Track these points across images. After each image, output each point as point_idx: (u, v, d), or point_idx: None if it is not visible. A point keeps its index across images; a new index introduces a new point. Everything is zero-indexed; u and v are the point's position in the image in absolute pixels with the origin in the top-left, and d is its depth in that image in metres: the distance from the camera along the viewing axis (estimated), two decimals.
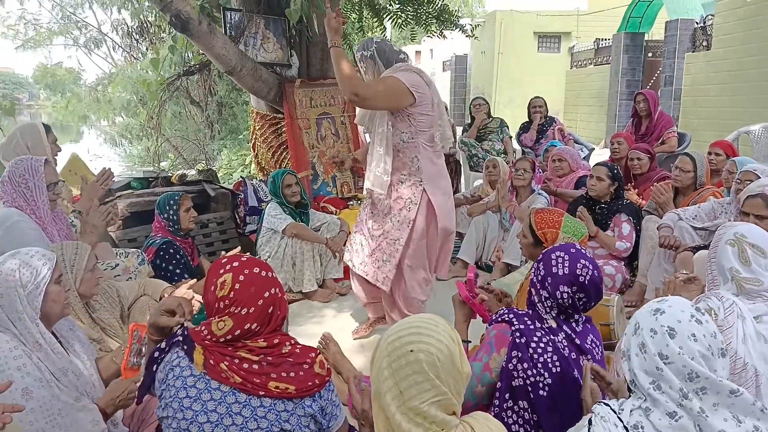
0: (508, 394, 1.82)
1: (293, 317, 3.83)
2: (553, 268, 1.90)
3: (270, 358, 1.64)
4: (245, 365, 1.61)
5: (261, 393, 1.60)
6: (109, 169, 3.20)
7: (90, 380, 1.94)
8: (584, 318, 1.96)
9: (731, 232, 2.00)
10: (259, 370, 1.62)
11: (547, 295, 1.90)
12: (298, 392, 1.62)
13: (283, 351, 1.67)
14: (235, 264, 1.68)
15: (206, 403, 1.59)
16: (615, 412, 1.40)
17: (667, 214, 3.57)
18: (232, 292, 1.64)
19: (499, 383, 1.84)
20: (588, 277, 1.87)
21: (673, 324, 1.34)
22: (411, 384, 1.30)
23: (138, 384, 1.83)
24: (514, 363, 1.81)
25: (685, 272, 2.43)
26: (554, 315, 1.90)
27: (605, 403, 1.45)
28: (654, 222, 3.66)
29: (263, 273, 1.69)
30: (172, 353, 1.67)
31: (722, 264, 1.98)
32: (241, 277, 1.65)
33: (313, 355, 1.71)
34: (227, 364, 1.61)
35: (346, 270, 4.34)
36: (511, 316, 1.91)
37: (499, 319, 1.93)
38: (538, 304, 1.92)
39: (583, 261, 1.90)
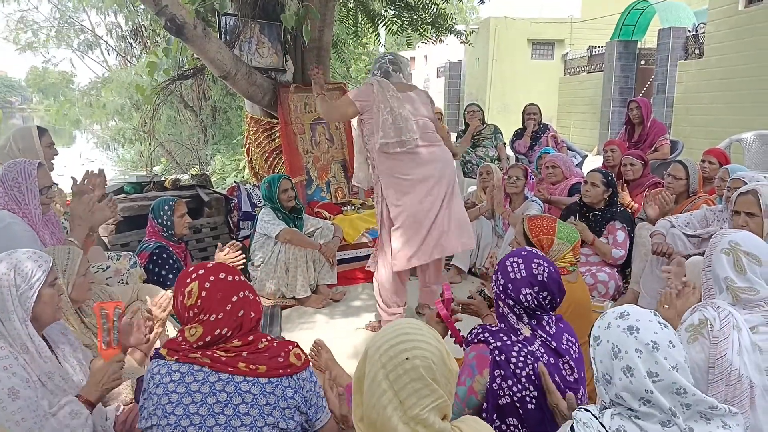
0: (495, 414, 1.82)
1: (286, 323, 3.82)
2: (510, 274, 1.93)
3: (245, 354, 1.65)
4: (216, 354, 1.63)
5: (230, 370, 1.60)
6: (101, 169, 3.20)
7: (80, 384, 1.91)
8: (555, 317, 1.98)
9: (726, 240, 1.99)
10: (231, 358, 1.64)
11: (512, 303, 1.91)
12: (269, 372, 1.63)
13: (259, 346, 1.68)
14: (201, 272, 1.69)
15: (191, 394, 1.59)
16: (596, 418, 1.41)
17: (660, 221, 3.58)
18: (199, 300, 1.65)
19: (484, 404, 1.84)
20: (546, 275, 1.91)
21: (653, 338, 1.36)
22: (410, 392, 1.29)
23: (120, 363, 1.88)
24: (498, 382, 1.81)
25: (680, 281, 2.43)
26: (526, 322, 1.91)
27: (586, 409, 1.45)
28: (647, 229, 3.67)
29: (229, 278, 1.70)
30: (150, 365, 1.68)
31: (717, 273, 1.97)
32: (207, 284, 1.66)
33: (290, 347, 1.72)
34: (198, 355, 1.63)
35: (340, 276, 4.34)
36: (487, 334, 1.91)
37: (475, 340, 1.93)
38: (509, 315, 1.93)
39: (537, 260, 1.94)
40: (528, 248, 2.07)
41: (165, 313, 2.43)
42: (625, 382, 1.36)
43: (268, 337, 1.73)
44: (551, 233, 2.58)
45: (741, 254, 1.92)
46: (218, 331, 1.64)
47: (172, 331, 2.78)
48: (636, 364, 1.34)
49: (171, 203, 3.50)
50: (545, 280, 1.91)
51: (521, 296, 1.90)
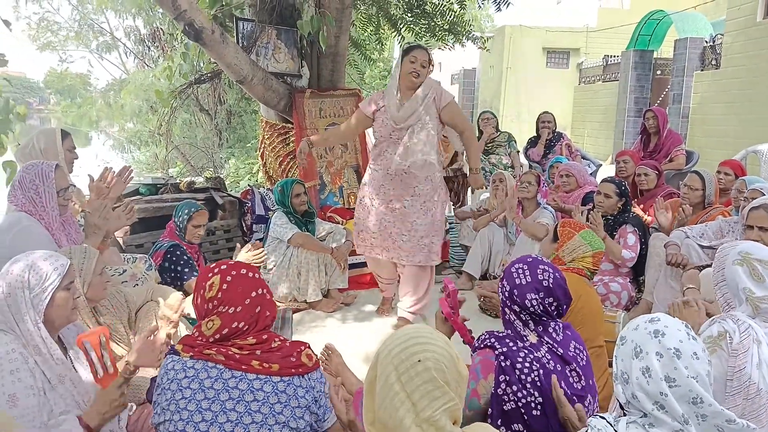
0: (500, 420, 1.82)
1: (297, 326, 3.84)
2: (516, 279, 1.95)
3: (258, 352, 1.68)
4: (230, 352, 1.66)
5: (243, 367, 1.63)
6: (130, 167, 3.24)
7: (92, 389, 1.92)
8: (562, 325, 1.98)
9: (735, 252, 1.97)
10: (245, 356, 1.67)
11: (518, 309, 1.93)
12: (281, 371, 1.65)
13: (272, 346, 1.71)
14: (223, 267, 1.75)
15: (204, 390, 1.61)
16: (611, 425, 1.41)
17: (674, 231, 3.56)
18: (220, 293, 1.69)
19: (490, 410, 1.84)
20: (551, 280, 1.93)
21: (677, 345, 1.34)
22: (423, 394, 1.30)
23: (121, 388, 1.85)
24: (503, 387, 1.82)
25: (686, 291, 2.41)
26: (532, 328, 1.92)
27: (601, 416, 1.45)
28: (661, 239, 3.65)
29: (250, 274, 1.76)
30: (165, 360, 1.71)
31: (735, 285, 1.94)
32: (229, 278, 1.71)
33: (302, 348, 1.75)
34: (213, 351, 1.65)
35: (351, 280, 4.36)
36: (493, 340, 1.92)
37: (482, 345, 1.94)
38: (515, 321, 1.94)
39: (542, 266, 1.96)
40: (533, 255, 2.08)
41: (177, 315, 2.45)
42: (642, 382, 1.35)
43: (281, 338, 1.76)
44: (576, 229, 2.69)
45: (755, 262, 1.91)
46: (235, 324, 1.67)
47: (184, 332, 2.80)
48: (654, 366, 1.34)
49: (192, 211, 3.59)
50: (550, 285, 1.92)
51: (527, 302, 1.90)
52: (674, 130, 6.52)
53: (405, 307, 3.74)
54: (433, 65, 3.52)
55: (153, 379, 1.77)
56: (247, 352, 1.67)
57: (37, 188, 2.61)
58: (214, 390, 1.61)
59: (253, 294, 1.72)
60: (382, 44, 8.32)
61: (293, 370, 1.67)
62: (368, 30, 7.50)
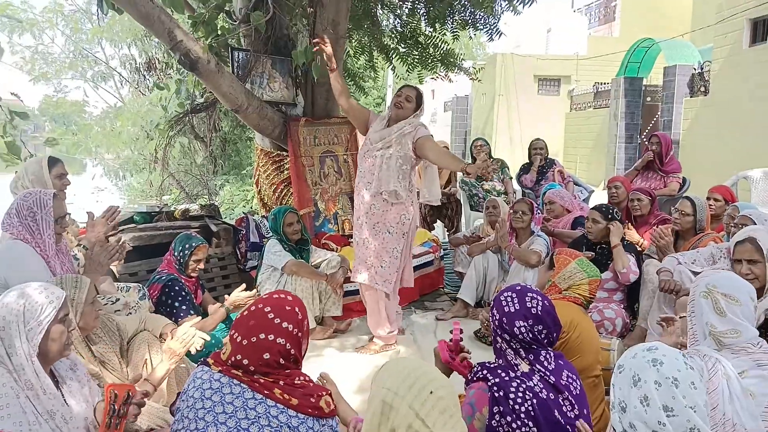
0: None
1: None
2: (505, 308, 1.97)
3: (281, 383, 1.68)
4: (255, 375, 1.67)
5: (265, 392, 1.64)
6: (117, 206, 3.24)
7: (83, 424, 1.88)
8: (554, 354, 1.98)
9: (703, 283, 1.98)
10: (270, 383, 1.68)
11: (508, 337, 1.94)
12: (300, 407, 1.66)
13: (296, 382, 1.71)
14: (265, 296, 1.77)
15: (224, 405, 1.63)
16: None
17: (667, 257, 3.58)
18: (240, 316, 1.73)
19: None
20: (540, 308, 1.94)
21: (675, 374, 1.35)
22: (443, 424, 1.29)
23: None
24: (498, 419, 1.81)
25: (681, 318, 2.41)
26: (523, 356, 1.92)
27: None
28: (654, 266, 3.66)
29: (276, 320, 1.70)
30: (195, 369, 1.74)
31: (700, 319, 1.95)
32: (253, 308, 1.72)
33: (323, 393, 1.75)
34: (239, 373, 1.68)
35: (345, 308, 4.34)
36: (485, 372, 1.92)
37: (475, 378, 1.95)
38: (507, 350, 1.95)
39: (530, 294, 1.98)
40: (522, 284, 2.11)
41: (184, 349, 2.42)
42: (640, 411, 1.35)
43: (306, 377, 1.76)
44: (572, 257, 2.70)
45: (719, 296, 1.91)
46: (239, 356, 1.67)
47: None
48: (653, 395, 1.34)
49: (193, 245, 3.58)
50: (539, 313, 1.93)
51: (515, 329, 1.91)
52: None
53: (384, 341, 3.91)
54: (420, 102, 3.76)
55: (179, 394, 1.77)
56: (272, 380, 1.68)
57: (34, 216, 2.61)
58: (233, 406, 1.63)
59: (262, 336, 1.67)
60: (376, 73, 8.44)
61: (310, 410, 1.67)
62: (362, 59, 7.61)
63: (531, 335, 1.91)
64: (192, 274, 3.62)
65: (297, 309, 1.76)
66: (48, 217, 2.64)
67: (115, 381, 2.43)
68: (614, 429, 1.43)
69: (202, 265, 3.67)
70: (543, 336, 1.93)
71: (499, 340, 1.97)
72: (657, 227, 3.78)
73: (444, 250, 5.67)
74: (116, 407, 1.90)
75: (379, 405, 1.36)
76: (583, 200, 5.72)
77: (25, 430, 1.70)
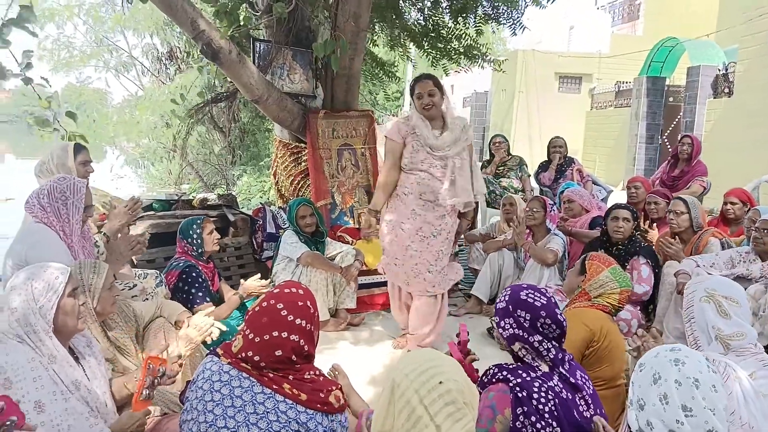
0: None
1: None
2: (499, 304, 1.97)
3: (291, 377, 1.68)
4: (265, 370, 1.67)
5: (274, 387, 1.64)
6: (139, 197, 3.28)
7: (102, 398, 1.95)
8: (566, 354, 1.96)
9: (701, 288, 1.96)
10: (279, 377, 1.67)
11: (540, 338, 1.88)
12: (308, 402, 1.65)
13: (305, 377, 1.70)
14: (276, 291, 1.75)
15: (233, 398, 1.62)
16: None
17: (685, 260, 3.55)
18: (251, 312, 1.70)
19: None
20: (544, 304, 1.92)
21: (697, 375, 1.34)
22: (446, 416, 1.30)
23: (149, 416, 1.91)
24: (522, 419, 1.78)
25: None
26: (545, 356, 1.89)
27: None
28: (674, 268, 3.62)
29: (290, 317, 1.68)
30: (205, 359, 1.75)
31: (703, 323, 1.93)
32: (265, 303, 1.70)
33: (333, 387, 1.74)
34: (249, 366, 1.67)
35: (359, 301, 4.36)
36: (505, 373, 1.88)
37: (494, 380, 1.90)
38: (530, 352, 1.90)
39: (526, 290, 1.96)
40: (526, 283, 2.09)
41: (201, 337, 2.45)
42: (659, 409, 1.34)
43: (317, 372, 1.75)
44: (606, 264, 2.64)
45: (721, 299, 1.90)
46: (250, 353, 1.66)
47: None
48: (672, 394, 1.33)
49: (199, 221, 3.57)
50: (536, 303, 1.92)
51: (539, 323, 1.89)
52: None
53: (420, 340, 3.70)
54: (442, 90, 3.48)
55: (188, 382, 1.79)
56: (282, 374, 1.67)
57: (66, 199, 2.65)
58: (242, 400, 1.63)
59: (275, 333, 1.66)
60: (405, 60, 8.50)
61: (319, 406, 1.67)
62: (390, 48, 7.66)
63: (560, 330, 1.89)
64: (214, 249, 3.62)
65: (309, 303, 1.75)
66: (79, 204, 2.69)
67: (129, 366, 2.46)
68: (629, 427, 1.42)
69: (217, 234, 3.64)
70: (550, 332, 1.91)
71: (522, 343, 1.90)
72: (660, 239, 3.74)
73: (459, 246, 5.66)
74: (153, 379, 1.97)
75: (390, 385, 1.39)
76: (602, 200, 5.67)
77: (59, 399, 1.76)
